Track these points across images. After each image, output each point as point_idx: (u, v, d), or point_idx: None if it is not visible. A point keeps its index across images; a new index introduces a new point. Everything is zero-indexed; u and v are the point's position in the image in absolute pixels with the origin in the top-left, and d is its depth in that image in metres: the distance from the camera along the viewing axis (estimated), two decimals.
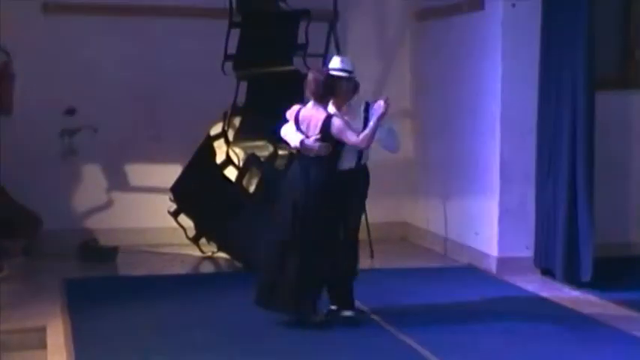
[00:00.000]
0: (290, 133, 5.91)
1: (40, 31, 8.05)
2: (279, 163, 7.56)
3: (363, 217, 6.27)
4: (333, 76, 5.83)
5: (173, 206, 7.94)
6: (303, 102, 7.72)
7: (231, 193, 7.53)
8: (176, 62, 8.32)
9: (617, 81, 7.87)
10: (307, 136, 5.79)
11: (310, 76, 5.88)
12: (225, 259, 7.77)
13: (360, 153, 5.88)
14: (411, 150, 8.53)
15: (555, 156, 7.06)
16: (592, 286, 6.76)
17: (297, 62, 7.70)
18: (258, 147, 7.73)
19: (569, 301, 6.54)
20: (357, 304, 6.00)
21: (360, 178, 5.94)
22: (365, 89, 6.33)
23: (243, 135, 7.77)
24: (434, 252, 8.17)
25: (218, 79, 7.61)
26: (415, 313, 6.02)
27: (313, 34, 7.59)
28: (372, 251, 7.72)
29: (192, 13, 8.26)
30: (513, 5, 7.22)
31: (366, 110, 5.91)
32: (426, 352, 5.38)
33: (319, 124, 5.76)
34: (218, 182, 7.63)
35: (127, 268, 7.59)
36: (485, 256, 7.47)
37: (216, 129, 7.83)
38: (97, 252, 7.84)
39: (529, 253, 7.30)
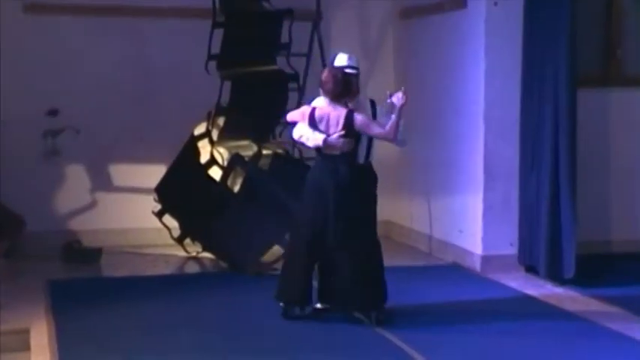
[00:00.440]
0: (308, 133, 5.84)
1: (22, 32, 8.02)
2: (263, 163, 7.57)
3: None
4: (348, 73, 5.83)
5: (157, 206, 7.93)
6: (286, 102, 7.79)
7: (215, 193, 7.53)
8: (159, 62, 8.30)
9: (598, 79, 7.91)
10: (328, 135, 5.76)
11: (327, 74, 5.81)
12: (210, 259, 7.76)
13: (369, 150, 5.92)
14: (395, 148, 8.53)
15: (538, 153, 7.10)
16: (575, 283, 6.80)
17: (281, 62, 7.70)
18: (242, 147, 7.73)
19: (553, 298, 6.58)
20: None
21: (370, 174, 5.97)
22: None
23: (227, 135, 7.77)
24: (418, 250, 8.19)
25: (202, 79, 7.61)
26: (400, 311, 6.02)
27: (297, 33, 7.59)
28: None
29: (176, 13, 8.25)
30: (496, 3, 7.25)
31: (373, 106, 5.95)
32: (411, 351, 5.39)
33: (341, 120, 5.74)
34: (202, 182, 7.63)
35: (111, 269, 7.57)
36: (470, 253, 7.50)
37: (201, 129, 7.82)
38: (80, 253, 7.81)
39: (513, 250, 7.33)
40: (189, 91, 8.08)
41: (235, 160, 7.55)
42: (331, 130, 5.77)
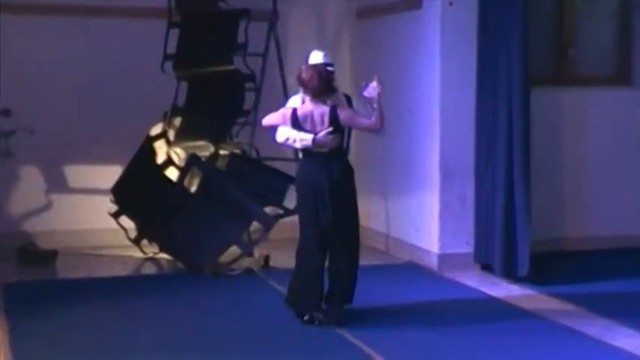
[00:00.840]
0: (294, 135, 5.80)
1: None
2: (220, 163, 7.56)
3: None
4: (329, 70, 5.83)
5: (114, 207, 7.87)
6: (243, 102, 7.78)
7: (172, 194, 7.50)
8: (115, 62, 8.24)
9: (551, 78, 8.03)
10: (315, 133, 5.75)
11: (309, 72, 5.75)
12: (168, 260, 7.73)
13: (348, 144, 5.98)
14: (352, 148, 8.56)
15: (493, 152, 7.18)
16: (529, 280, 6.89)
17: (238, 62, 7.69)
18: (199, 147, 7.71)
19: (508, 295, 6.65)
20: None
21: (351, 168, 6.00)
22: None
23: (183, 135, 7.74)
24: (376, 249, 8.23)
25: (158, 79, 7.57)
26: (358, 310, 6.05)
27: (253, 33, 7.59)
28: None
29: (131, 12, 8.19)
30: (450, 4, 7.31)
31: (349, 101, 5.98)
32: (370, 351, 5.42)
33: (326, 117, 5.74)
34: (159, 183, 7.59)
35: (66, 271, 7.50)
36: (426, 252, 7.56)
37: (157, 129, 7.79)
38: (35, 255, 7.73)
39: (469, 248, 7.40)
40: (145, 91, 8.03)
41: (192, 160, 7.53)
42: (318, 129, 5.76)
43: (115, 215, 7.87)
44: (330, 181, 5.78)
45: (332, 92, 5.84)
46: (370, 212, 8.46)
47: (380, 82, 5.78)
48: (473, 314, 6.20)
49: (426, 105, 7.55)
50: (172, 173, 7.64)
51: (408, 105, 7.79)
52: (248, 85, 7.77)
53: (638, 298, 6.61)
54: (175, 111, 7.69)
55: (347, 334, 5.69)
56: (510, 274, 7.00)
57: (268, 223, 7.30)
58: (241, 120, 7.86)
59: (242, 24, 7.61)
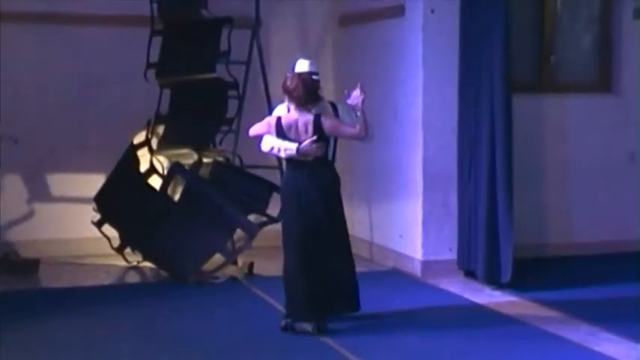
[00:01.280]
0: (278, 144, 5.79)
1: None
2: (204, 171, 7.55)
3: None
4: (314, 79, 5.83)
5: (97, 216, 7.84)
6: (226, 110, 7.78)
7: (155, 202, 7.48)
8: (97, 70, 8.22)
9: (532, 85, 8.07)
10: (299, 142, 5.74)
11: (295, 80, 5.74)
12: (151, 269, 7.71)
13: (334, 152, 5.96)
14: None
15: (475, 159, 7.20)
16: (512, 286, 6.90)
17: (220, 70, 7.69)
18: (182, 155, 7.70)
19: (491, 302, 6.66)
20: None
21: (337, 175, 6.01)
22: None
23: (167, 143, 7.73)
24: (359, 256, 8.16)
25: (141, 88, 7.56)
26: (341, 318, 6.05)
27: (236, 41, 7.60)
28: None
29: (113, 20, 8.17)
30: (432, 11, 7.34)
31: (334, 109, 5.98)
32: (353, 358, 5.41)
33: (310, 126, 5.73)
34: (142, 191, 7.58)
35: (49, 280, 7.46)
36: (410, 259, 7.57)
37: (140, 137, 7.77)
38: (17, 264, 7.68)
39: (452, 255, 7.42)
40: (128, 99, 8.02)
41: (175, 168, 7.52)
42: (302, 137, 5.75)
43: (98, 224, 7.84)
44: (315, 190, 5.78)
45: (317, 101, 5.83)
46: (354, 219, 8.45)
47: (363, 90, 5.79)
48: (456, 320, 6.21)
49: (409, 112, 7.57)
50: (156, 181, 7.62)
51: (391, 112, 7.81)
52: (231, 92, 7.78)
53: (620, 303, 6.63)
54: (158, 119, 7.67)
55: (330, 342, 5.69)
56: (493, 280, 7.02)
57: (252, 231, 7.29)
58: (224, 128, 7.86)
59: (225, 32, 7.62)
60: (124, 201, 7.63)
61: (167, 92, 7.72)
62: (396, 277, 7.52)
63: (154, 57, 7.65)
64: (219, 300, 6.79)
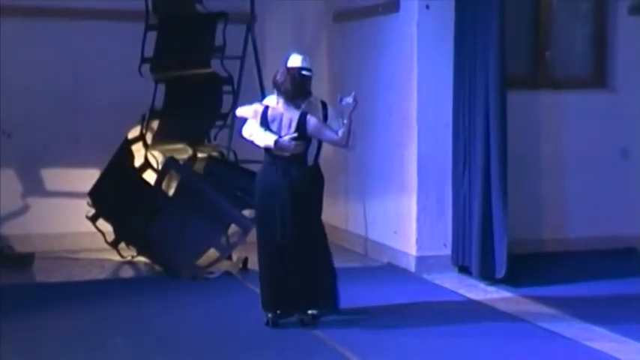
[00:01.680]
0: (258, 133, 5.75)
1: None
2: (198, 166, 7.55)
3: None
4: (304, 75, 5.77)
5: (91, 211, 7.84)
6: (220, 105, 7.78)
7: (150, 197, 7.48)
8: (92, 65, 8.22)
9: (528, 81, 8.07)
10: (280, 136, 5.70)
11: (284, 75, 5.71)
12: (145, 263, 7.71)
13: (318, 152, 5.90)
14: (330, 151, 8.57)
15: (470, 155, 7.20)
16: (507, 282, 6.91)
17: (215, 64, 7.68)
18: (176, 150, 7.70)
19: (486, 297, 6.67)
20: None
21: (318, 175, 5.95)
22: None
23: (161, 138, 7.73)
24: (354, 252, 8.24)
25: (136, 82, 7.55)
26: (336, 313, 6.06)
27: (231, 36, 7.59)
28: None
29: (109, 15, 8.16)
30: (427, 7, 7.34)
31: (324, 108, 5.91)
32: (348, 353, 5.41)
33: (293, 123, 5.68)
34: (137, 186, 7.57)
35: (44, 274, 7.46)
36: (404, 254, 7.58)
37: (135, 132, 7.78)
38: (12, 258, 7.68)
39: (447, 250, 7.42)
40: (123, 94, 8.01)
41: (170, 163, 7.52)
42: (283, 132, 5.71)
43: (93, 219, 7.84)
44: (287, 187, 5.72)
45: (306, 97, 5.79)
46: (349, 215, 8.48)
47: (356, 100, 5.71)
48: (450, 316, 6.21)
49: (404, 108, 7.57)
50: (150, 176, 7.62)
51: (386, 108, 7.81)
52: (226, 87, 7.77)
53: (614, 299, 6.65)
54: (153, 114, 7.68)
55: (324, 336, 5.69)
56: (488, 276, 7.03)
57: (246, 225, 7.29)
58: (219, 123, 7.85)
59: (219, 27, 7.61)
60: (118, 196, 7.63)
61: (161, 87, 7.71)
62: (391, 272, 7.53)
63: (149, 52, 7.64)
64: (213, 295, 6.79)
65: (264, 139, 5.71)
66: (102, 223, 7.86)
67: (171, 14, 7.75)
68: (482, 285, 7.00)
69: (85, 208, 7.83)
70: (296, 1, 8.73)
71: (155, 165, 7.68)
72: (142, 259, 7.74)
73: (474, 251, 7.08)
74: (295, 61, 5.84)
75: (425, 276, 7.27)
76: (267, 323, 5.83)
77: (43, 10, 8.07)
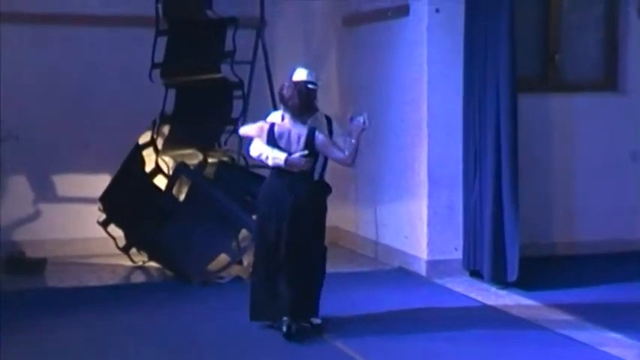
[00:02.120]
0: (267, 152, 5.71)
1: None
2: (209, 171, 7.55)
3: None
4: (310, 89, 5.71)
5: (102, 216, 7.86)
6: (231, 110, 7.79)
7: (161, 202, 7.49)
8: (104, 70, 8.24)
9: (537, 84, 8.06)
10: (289, 152, 5.65)
11: (291, 90, 5.64)
12: (157, 269, 7.72)
13: (324, 167, 5.86)
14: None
15: (481, 158, 7.19)
16: (518, 286, 6.89)
17: (225, 70, 7.69)
18: (187, 155, 7.71)
19: (497, 302, 6.66)
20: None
21: (324, 189, 5.91)
22: None
23: (172, 143, 7.74)
24: (365, 256, 8.23)
25: (147, 88, 7.57)
26: (346, 318, 6.05)
27: (240, 41, 7.60)
28: None
29: (120, 21, 8.19)
30: (437, 11, 7.34)
31: (329, 123, 5.85)
32: (359, 358, 5.40)
33: (302, 139, 5.63)
34: (148, 191, 7.59)
35: (55, 280, 7.48)
36: (415, 259, 7.57)
37: (145, 137, 7.79)
38: (24, 264, 7.71)
39: (458, 254, 7.41)
40: (133, 99, 8.03)
41: (180, 168, 7.53)
42: (292, 148, 5.66)
43: (104, 224, 7.86)
44: (293, 203, 5.66)
45: (313, 112, 5.74)
46: (359, 219, 8.48)
47: (366, 121, 5.65)
48: (462, 321, 6.19)
49: (414, 112, 7.56)
50: (161, 182, 7.64)
51: (396, 112, 7.81)
52: (236, 92, 7.77)
53: (627, 303, 6.62)
54: (164, 119, 7.69)
55: (337, 342, 5.67)
56: (499, 279, 7.01)
57: (254, 232, 7.28)
58: (229, 128, 7.85)
59: (229, 32, 7.62)
60: (129, 201, 7.65)
61: (172, 92, 7.73)
62: (402, 276, 7.52)
63: (159, 57, 7.65)
64: (224, 300, 6.79)
65: (274, 157, 5.67)
66: (113, 229, 7.87)
67: (181, 19, 7.77)
68: (493, 289, 6.98)
69: (96, 213, 7.85)
70: (306, 5, 8.74)
71: (166, 170, 7.69)
72: (153, 264, 7.75)
73: (486, 255, 7.07)
74: (301, 74, 5.77)
75: (436, 280, 7.26)
76: (284, 335, 5.72)
77: (53, 16, 8.09)
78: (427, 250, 7.43)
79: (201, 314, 6.41)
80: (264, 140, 5.71)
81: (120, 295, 7.03)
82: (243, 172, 7.74)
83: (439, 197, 7.41)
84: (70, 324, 6.14)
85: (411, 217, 7.66)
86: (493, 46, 7.02)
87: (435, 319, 6.23)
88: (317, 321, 5.83)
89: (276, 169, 5.75)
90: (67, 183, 8.33)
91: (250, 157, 5.92)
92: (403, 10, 7.62)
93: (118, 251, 7.88)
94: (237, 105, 7.82)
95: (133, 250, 7.86)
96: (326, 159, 5.87)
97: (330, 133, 5.84)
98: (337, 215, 8.68)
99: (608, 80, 8.31)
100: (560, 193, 8.08)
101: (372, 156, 8.16)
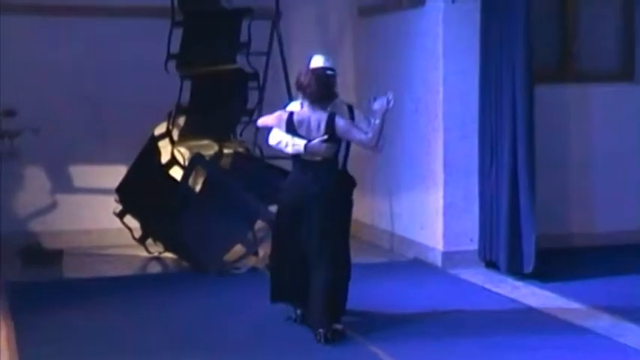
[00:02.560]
0: (287, 139, 5.57)
1: None
2: (225, 162, 7.56)
3: None
4: (329, 75, 5.60)
5: (119, 207, 7.89)
6: (246, 101, 7.79)
7: (176, 193, 7.50)
8: (120, 62, 8.26)
9: (554, 74, 8.02)
10: (309, 140, 5.53)
11: (309, 76, 5.52)
12: (173, 259, 7.74)
13: (347, 155, 5.73)
14: (356, 146, 8.58)
15: (497, 149, 7.17)
16: (535, 277, 6.87)
17: (241, 60, 7.69)
18: (203, 146, 7.72)
19: (512, 292, 6.63)
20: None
21: (349, 180, 5.78)
22: None
23: (187, 134, 7.75)
24: (381, 247, 8.23)
25: (162, 79, 7.57)
26: (363, 310, 6.03)
27: (256, 31, 7.59)
28: None
29: (135, 12, 8.20)
30: (453, 1, 7.30)
31: (351, 111, 5.73)
32: (376, 350, 5.38)
33: (322, 124, 5.49)
34: (163, 182, 7.60)
35: (72, 270, 7.51)
36: (431, 250, 7.55)
37: (161, 129, 7.80)
38: (40, 255, 7.74)
39: (474, 245, 7.39)
40: (149, 90, 8.04)
41: (196, 159, 7.53)
42: (312, 135, 5.53)
43: (120, 215, 7.89)
44: (317, 192, 5.54)
45: (332, 98, 5.63)
46: (375, 210, 8.47)
47: (391, 100, 5.47)
48: (478, 313, 6.15)
49: (430, 102, 7.54)
50: (177, 172, 7.65)
51: (412, 102, 7.78)
52: (251, 83, 7.78)
53: None
54: (179, 110, 7.70)
55: (354, 334, 5.64)
56: (516, 270, 6.99)
57: (273, 221, 7.29)
58: (245, 119, 7.86)
59: (245, 22, 7.62)
60: (145, 192, 7.67)
61: (187, 83, 7.74)
62: (417, 267, 7.50)
63: (175, 48, 7.66)
64: (240, 290, 6.80)
65: (294, 144, 5.55)
66: (129, 220, 7.90)
67: (196, 10, 7.76)
68: (510, 280, 6.96)
69: (113, 204, 7.88)
70: None
71: (182, 161, 7.70)
72: (169, 255, 7.77)
73: (502, 246, 7.05)
74: (318, 61, 5.69)
75: (452, 271, 7.24)
76: (294, 319, 5.79)
77: (69, 7, 8.12)
78: (443, 241, 7.42)
79: (217, 305, 6.42)
80: (284, 129, 5.60)
81: (136, 286, 7.04)
82: (258, 163, 7.75)
83: (455, 188, 7.39)
84: (86, 315, 6.16)
85: (426, 208, 7.65)
86: (509, 36, 6.99)
87: (450, 310, 6.16)
88: (339, 327, 5.62)
89: (299, 161, 5.64)
90: (84, 174, 8.37)
91: (269, 145, 5.81)
92: (419, 1, 7.59)
93: (134, 242, 7.90)
94: (253, 96, 7.83)
95: (149, 241, 7.89)
96: (348, 148, 5.75)
97: (352, 120, 5.69)
98: (353, 207, 8.69)
99: (625, 70, 8.26)
100: (577, 183, 8.04)
101: (387, 147, 8.10)
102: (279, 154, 7.64)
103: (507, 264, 7.02)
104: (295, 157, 5.66)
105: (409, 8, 7.76)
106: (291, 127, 5.59)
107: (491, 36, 7.17)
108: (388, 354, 5.34)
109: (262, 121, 5.88)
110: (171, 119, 7.71)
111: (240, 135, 7.99)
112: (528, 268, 6.89)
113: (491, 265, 7.29)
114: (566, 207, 7.99)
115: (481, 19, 7.25)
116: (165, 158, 7.71)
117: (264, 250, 7.64)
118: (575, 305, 6.30)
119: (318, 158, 5.57)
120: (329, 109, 5.62)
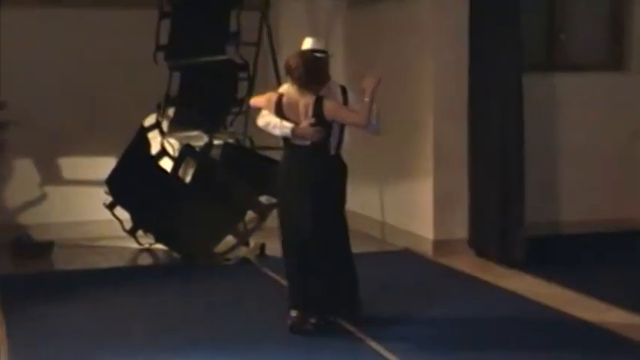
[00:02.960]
0: (275, 121, 5.41)
1: None
2: (215, 153, 7.55)
3: None
4: (318, 57, 5.45)
5: (109, 199, 7.87)
6: (236, 91, 7.78)
7: (167, 184, 7.50)
8: (108, 53, 8.22)
9: (543, 63, 8.03)
10: (296, 124, 5.40)
11: (296, 59, 5.34)
12: (163, 251, 7.74)
13: (340, 140, 5.55)
14: (346, 135, 8.57)
15: (487, 138, 7.19)
16: (525, 265, 6.90)
17: (230, 51, 7.67)
18: (193, 137, 7.70)
19: (503, 281, 6.65)
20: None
21: (342, 166, 5.59)
22: None
23: (177, 125, 7.74)
24: (371, 237, 8.24)
25: (151, 70, 7.55)
26: (368, 308, 6.02)
27: (245, 22, 7.57)
28: None
29: (123, 3, 8.17)
30: None
31: (344, 93, 5.54)
32: (369, 340, 5.41)
33: (310, 108, 5.31)
34: (153, 173, 7.59)
35: (62, 262, 7.50)
36: (421, 239, 7.57)
37: (151, 120, 7.78)
38: (31, 247, 7.73)
39: (464, 234, 7.41)
40: (138, 82, 8.02)
41: (186, 150, 7.53)
42: (301, 120, 5.38)
43: (110, 206, 7.87)
44: (309, 177, 5.40)
45: (322, 82, 5.45)
46: (365, 200, 8.47)
47: (379, 81, 5.30)
48: (468, 302, 6.17)
49: (420, 91, 7.55)
50: (167, 164, 7.64)
51: (402, 92, 7.79)
52: (241, 74, 7.76)
53: (632, 281, 6.61)
54: (169, 101, 7.68)
55: (346, 324, 5.64)
56: (506, 259, 7.02)
57: (263, 211, 7.30)
58: (235, 109, 7.85)
59: (234, 13, 7.59)
60: (135, 183, 7.65)
61: (177, 74, 7.72)
62: (408, 257, 7.52)
63: (164, 39, 7.64)
64: (231, 281, 6.81)
65: (281, 127, 5.41)
66: (119, 211, 7.89)
67: (185, 1, 7.74)
68: (500, 269, 6.98)
69: (103, 196, 7.86)
70: None
71: (171, 152, 7.69)
72: (159, 246, 7.77)
73: (492, 235, 7.07)
74: (307, 43, 5.56)
75: (442, 260, 7.26)
76: (290, 327, 5.52)
77: None
78: (433, 230, 7.44)
79: (208, 296, 6.42)
80: (272, 112, 5.47)
81: (127, 277, 7.04)
82: (249, 154, 7.74)
83: (445, 177, 7.41)
84: (77, 306, 6.16)
85: (416, 196, 7.66)
86: (499, 25, 7.00)
87: (440, 298, 6.19)
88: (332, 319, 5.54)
89: (289, 145, 5.50)
90: (73, 166, 8.35)
91: (259, 131, 5.71)
92: None
93: (124, 234, 7.89)
94: (243, 87, 7.81)
95: (140, 233, 7.88)
96: (341, 133, 5.56)
97: (346, 104, 5.53)
98: None
99: (614, 59, 8.27)
100: (566, 172, 8.06)
101: (377, 136, 8.14)
102: (270, 144, 7.71)
103: (498, 253, 7.05)
104: (285, 141, 5.53)
105: None
106: (280, 111, 5.45)
107: (481, 25, 7.18)
108: (376, 340, 5.32)
109: (254, 101, 5.80)
110: (161, 110, 7.69)
111: (231, 125, 7.98)
112: (519, 256, 6.91)
113: (481, 254, 7.31)
114: (556, 195, 8.01)
115: (471, 8, 7.26)
116: (155, 149, 7.70)
117: (254, 241, 7.65)
118: (565, 292, 6.32)
119: (307, 143, 5.42)
120: (321, 92, 5.42)
